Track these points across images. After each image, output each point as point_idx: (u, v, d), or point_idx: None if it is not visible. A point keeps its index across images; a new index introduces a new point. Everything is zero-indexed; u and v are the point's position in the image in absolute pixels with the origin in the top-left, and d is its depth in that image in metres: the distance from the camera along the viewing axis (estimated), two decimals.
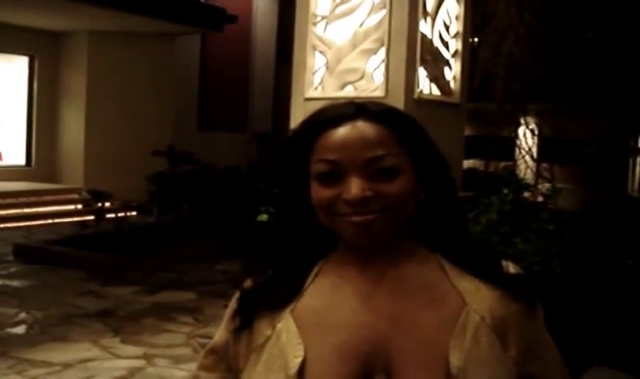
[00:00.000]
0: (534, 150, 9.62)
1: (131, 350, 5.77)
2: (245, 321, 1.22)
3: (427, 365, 1.11)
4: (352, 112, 1.17)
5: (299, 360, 1.12)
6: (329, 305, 1.18)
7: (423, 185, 1.19)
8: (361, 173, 1.13)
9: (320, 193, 1.16)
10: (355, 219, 1.12)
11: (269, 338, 1.18)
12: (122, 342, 5.97)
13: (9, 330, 6.30)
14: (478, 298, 1.16)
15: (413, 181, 1.16)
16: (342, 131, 1.15)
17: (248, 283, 1.27)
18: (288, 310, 1.18)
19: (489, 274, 1.20)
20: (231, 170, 11.76)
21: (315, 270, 1.22)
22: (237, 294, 1.27)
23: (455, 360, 1.10)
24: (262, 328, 1.19)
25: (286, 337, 1.16)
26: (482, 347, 1.13)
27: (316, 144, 1.17)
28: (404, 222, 1.17)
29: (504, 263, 1.24)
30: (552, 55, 9.17)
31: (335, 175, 1.14)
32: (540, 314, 1.23)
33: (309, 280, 1.21)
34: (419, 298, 1.16)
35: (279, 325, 1.17)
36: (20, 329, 6.39)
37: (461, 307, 1.15)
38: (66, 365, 5.35)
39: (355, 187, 1.12)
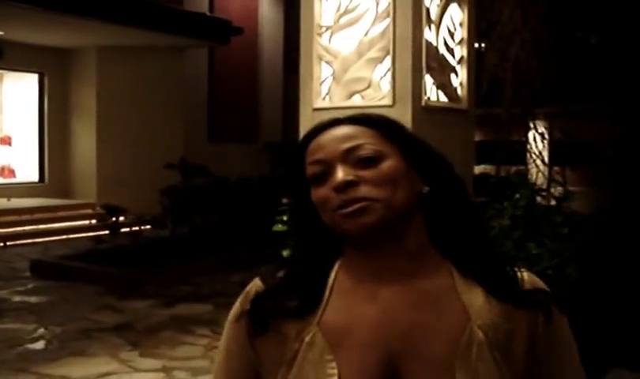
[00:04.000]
0: (545, 154, 9.59)
1: (150, 363, 5.81)
2: (264, 327, 1.22)
3: None
4: (334, 120, 1.26)
5: None
6: (349, 320, 1.19)
7: (425, 179, 1.22)
8: (343, 162, 1.19)
9: (316, 193, 1.21)
10: (347, 210, 1.16)
11: (297, 352, 1.18)
12: (141, 355, 6.01)
13: (28, 346, 6.36)
14: (483, 313, 1.17)
15: (401, 168, 1.20)
16: (324, 134, 1.24)
17: (257, 284, 1.28)
18: (314, 323, 1.19)
19: (499, 287, 1.20)
20: (243, 181, 11.79)
21: (332, 278, 1.23)
22: (245, 298, 1.28)
23: None
24: (290, 340, 1.20)
25: (317, 352, 1.17)
26: (486, 365, 1.14)
27: (307, 153, 1.25)
28: (400, 211, 1.18)
29: (518, 272, 1.24)
30: (559, 59, 9.18)
31: (326, 174, 1.20)
32: (559, 326, 1.24)
33: (327, 289, 1.22)
34: (428, 313, 1.17)
35: (307, 338, 1.18)
36: (39, 345, 6.45)
37: (465, 323, 1.16)
38: None
39: (339, 173, 1.18)
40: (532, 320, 1.20)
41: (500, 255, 1.30)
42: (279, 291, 1.24)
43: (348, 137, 1.22)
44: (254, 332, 1.24)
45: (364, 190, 1.17)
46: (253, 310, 1.25)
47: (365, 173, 1.18)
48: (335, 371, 1.15)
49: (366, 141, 1.21)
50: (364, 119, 1.26)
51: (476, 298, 1.19)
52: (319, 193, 1.21)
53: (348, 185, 1.17)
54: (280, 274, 1.27)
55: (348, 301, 1.20)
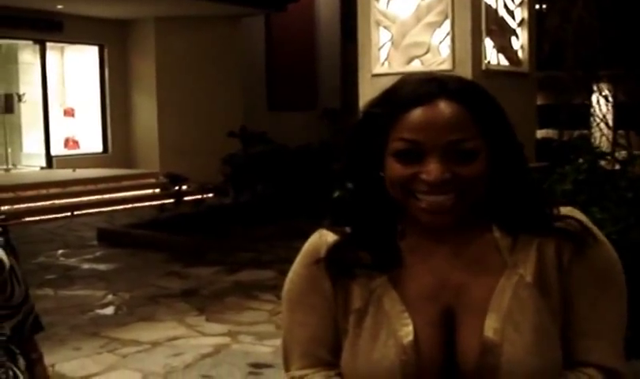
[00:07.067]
0: (609, 117, 9.38)
1: (216, 327, 5.94)
2: (348, 273, 1.26)
3: (478, 331, 1.18)
4: (433, 91, 1.18)
5: (410, 328, 1.20)
6: (410, 277, 1.25)
7: (492, 164, 1.20)
8: (441, 155, 1.16)
9: (397, 170, 1.19)
10: (431, 198, 1.17)
11: (367, 301, 1.24)
12: (207, 320, 6.15)
13: (98, 311, 6.58)
14: (519, 259, 1.21)
15: (487, 164, 1.19)
16: (424, 112, 1.17)
17: (327, 234, 1.32)
18: (385, 276, 1.24)
19: (533, 223, 1.22)
20: (303, 148, 11.80)
21: (396, 239, 1.27)
22: (317, 245, 1.31)
23: (492, 322, 1.17)
24: (358, 290, 1.25)
25: (390, 304, 1.23)
26: (523, 302, 1.18)
27: (397, 122, 1.18)
28: (474, 203, 1.21)
29: (557, 208, 1.24)
30: (623, 18, 8.93)
31: (413, 154, 1.17)
32: (595, 261, 1.22)
33: (393, 250, 1.26)
34: (472, 272, 1.23)
35: (379, 290, 1.24)
36: (109, 310, 6.67)
37: (502, 272, 1.21)
38: (155, 344, 5.55)
39: (435, 169, 1.15)
40: (558, 248, 1.21)
41: (543, 197, 1.30)
42: (353, 244, 1.28)
43: (451, 127, 1.16)
44: (337, 277, 1.28)
45: (455, 187, 1.17)
46: (335, 257, 1.28)
47: (461, 169, 1.17)
48: (409, 321, 1.21)
49: (469, 135, 1.17)
50: (466, 94, 1.20)
51: (515, 251, 1.22)
52: (401, 171, 1.19)
53: (442, 183, 1.16)
54: (347, 230, 1.31)
55: (408, 261, 1.26)
